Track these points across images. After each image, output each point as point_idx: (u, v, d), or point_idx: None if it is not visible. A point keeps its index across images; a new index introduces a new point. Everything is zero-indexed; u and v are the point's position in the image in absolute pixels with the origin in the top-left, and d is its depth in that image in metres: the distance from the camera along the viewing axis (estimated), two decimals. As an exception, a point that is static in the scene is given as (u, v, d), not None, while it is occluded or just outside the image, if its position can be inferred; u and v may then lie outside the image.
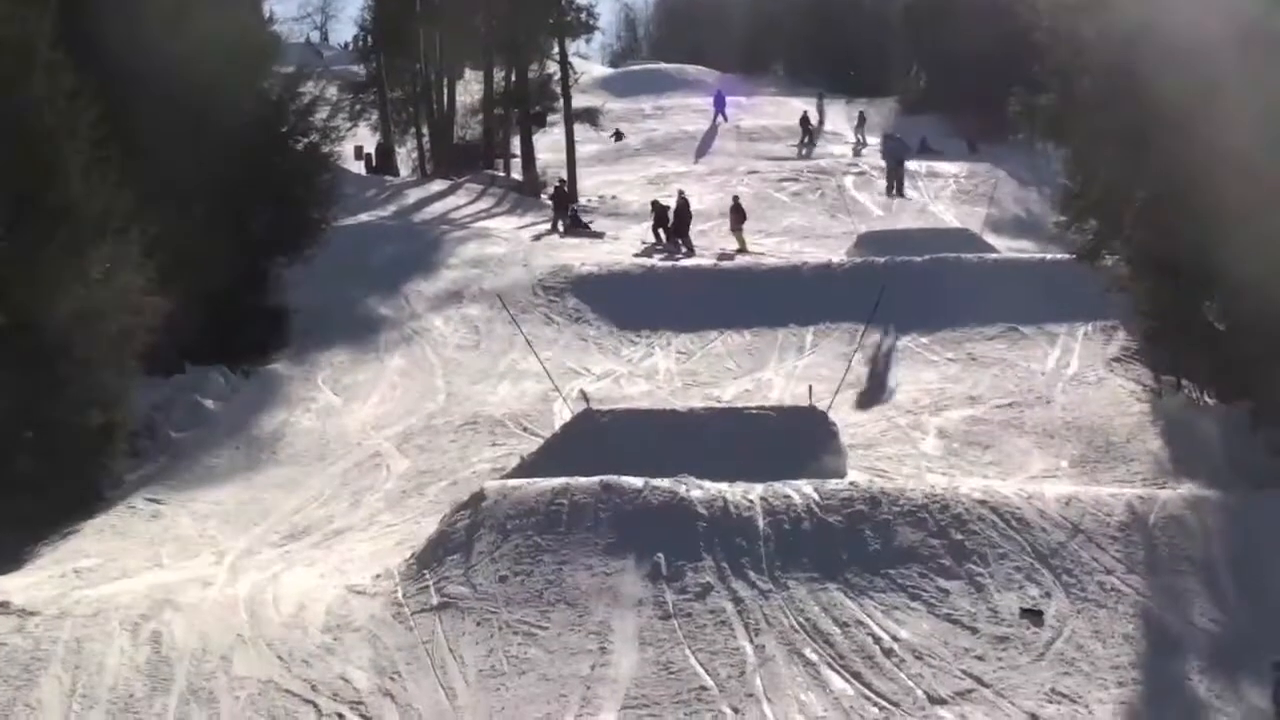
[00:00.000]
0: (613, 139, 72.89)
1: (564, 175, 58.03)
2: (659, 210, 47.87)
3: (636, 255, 45.03)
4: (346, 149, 50.90)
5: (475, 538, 19.69)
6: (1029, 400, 29.40)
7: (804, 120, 72.29)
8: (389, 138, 63.01)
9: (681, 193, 49.07)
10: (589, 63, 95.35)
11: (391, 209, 51.50)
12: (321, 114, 41.50)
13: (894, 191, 54.88)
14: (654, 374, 33.08)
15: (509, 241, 46.30)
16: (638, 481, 20.30)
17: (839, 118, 76.19)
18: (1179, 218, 24.30)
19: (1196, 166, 23.13)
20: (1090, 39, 27.19)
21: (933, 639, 17.66)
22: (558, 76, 63.61)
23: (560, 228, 50.11)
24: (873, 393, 30.22)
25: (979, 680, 16.85)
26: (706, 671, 17.08)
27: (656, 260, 43.93)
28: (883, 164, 58.72)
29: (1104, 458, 25.80)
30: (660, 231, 47.40)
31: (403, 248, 44.02)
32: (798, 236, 50.08)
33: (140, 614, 18.52)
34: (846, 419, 26.88)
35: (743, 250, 45.81)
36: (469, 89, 66.01)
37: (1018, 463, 25.81)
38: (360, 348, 35.36)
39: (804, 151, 68.98)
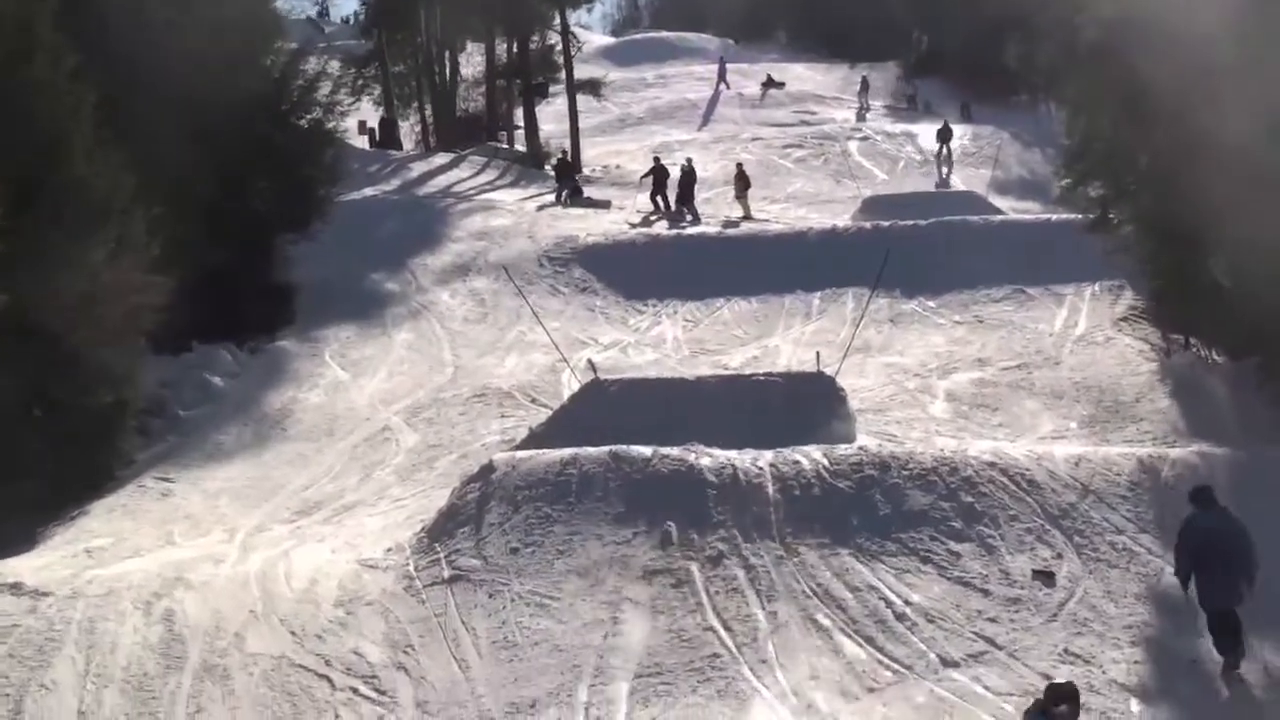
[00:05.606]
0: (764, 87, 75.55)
1: (567, 146, 58.04)
2: (659, 174, 47.57)
3: (636, 226, 44.88)
4: (350, 124, 50.82)
5: (485, 510, 19.71)
6: (1037, 361, 29.36)
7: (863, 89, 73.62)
8: (392, 112, 63.05)
9: (690, 160, 48.80)
10: (590, 33, 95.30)
11: (396, 183, 51.53)
12: (324, 90, 41.45)
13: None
14: (661, 343, 33.06)
15: (514, 214, 46.24)
16: (647, 450, 20.32)
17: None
18: (1183, 177, 24.21)
19: (1200, 124, 23.05)
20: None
21: (945, 602, 17.66)
22: (559, 47, 63.58)
23: (564, 199, 50.05)
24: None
25: (991, 642, 16.86)
26: (719, 639, 17.10)
27: (661, 229, 43.88)
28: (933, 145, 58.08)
29: (1113, 418, 25.79)
30: (659, 199, 47.18)
31: (407, 222, 43.98)
32: (803, 202, 50.13)
33: (152, 592, 18.53)
34: (855, 384, 26.85)
35: (748, 217, 45.80)
36: (471, 61, 66.00)
37: (1027, 424, 25.80)
38: (367, 323, 35.34)
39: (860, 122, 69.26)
